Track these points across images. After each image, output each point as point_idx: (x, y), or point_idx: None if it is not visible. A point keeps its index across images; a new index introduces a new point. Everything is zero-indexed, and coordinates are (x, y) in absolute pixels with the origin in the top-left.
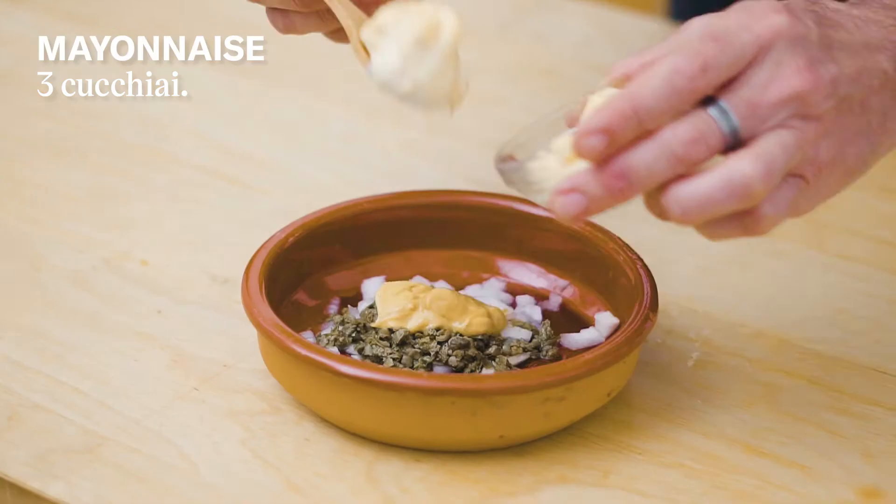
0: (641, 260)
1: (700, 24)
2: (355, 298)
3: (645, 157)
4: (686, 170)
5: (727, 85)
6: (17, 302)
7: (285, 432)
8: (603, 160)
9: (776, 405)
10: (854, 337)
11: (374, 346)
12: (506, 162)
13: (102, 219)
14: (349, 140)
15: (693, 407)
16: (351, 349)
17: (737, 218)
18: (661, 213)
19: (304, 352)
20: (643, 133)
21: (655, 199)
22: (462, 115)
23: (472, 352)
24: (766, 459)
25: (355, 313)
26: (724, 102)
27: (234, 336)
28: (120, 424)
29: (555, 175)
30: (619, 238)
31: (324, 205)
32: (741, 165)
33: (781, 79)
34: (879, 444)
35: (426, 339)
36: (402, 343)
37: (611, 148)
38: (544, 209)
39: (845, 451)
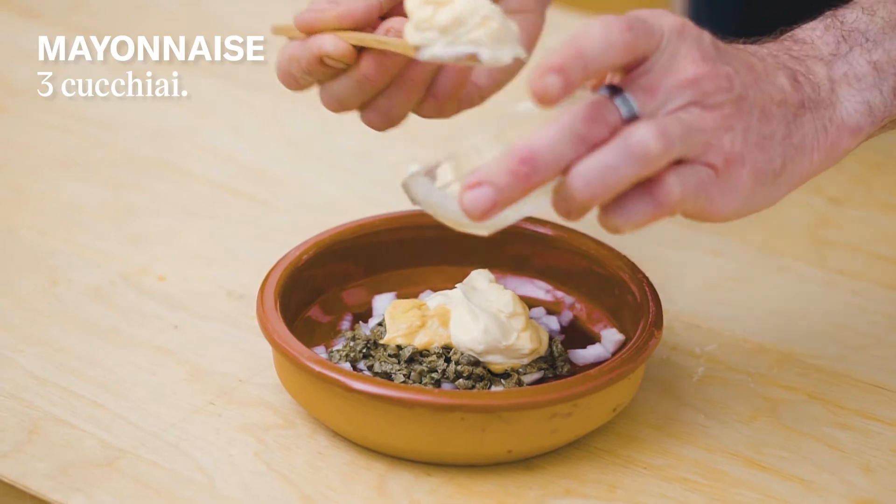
0: (647, 278)
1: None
2: (367, 314)
3: (548, 139)
4: (586, 151)
5: (627, 73)
6: (38, 316)
7: (299, 446)
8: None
9: (777, 420)
10: (854, 352)
11: (382, 362)
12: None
13: (118, 233)
14: (361, 156)
15: (696, 422)
16: (361, 365)
17: (645, 189)
18: (567, 203)
19: (317, 368)
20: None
21: (560, 190)
22: (470, 134)
23: (479, 370)
24: (767, 473)
25: (366, 329)
26: (625, 90)
27: (250, 351)
28: (138, 437)
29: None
30: (625, 256)
31: (336, 221)
32: (636, 130)
33: (679, 67)
34: (879, 459)
35: (433, 358)
36: (411, 360)
37: (566, 90)
38: (544, 227)
39: (845, 465)
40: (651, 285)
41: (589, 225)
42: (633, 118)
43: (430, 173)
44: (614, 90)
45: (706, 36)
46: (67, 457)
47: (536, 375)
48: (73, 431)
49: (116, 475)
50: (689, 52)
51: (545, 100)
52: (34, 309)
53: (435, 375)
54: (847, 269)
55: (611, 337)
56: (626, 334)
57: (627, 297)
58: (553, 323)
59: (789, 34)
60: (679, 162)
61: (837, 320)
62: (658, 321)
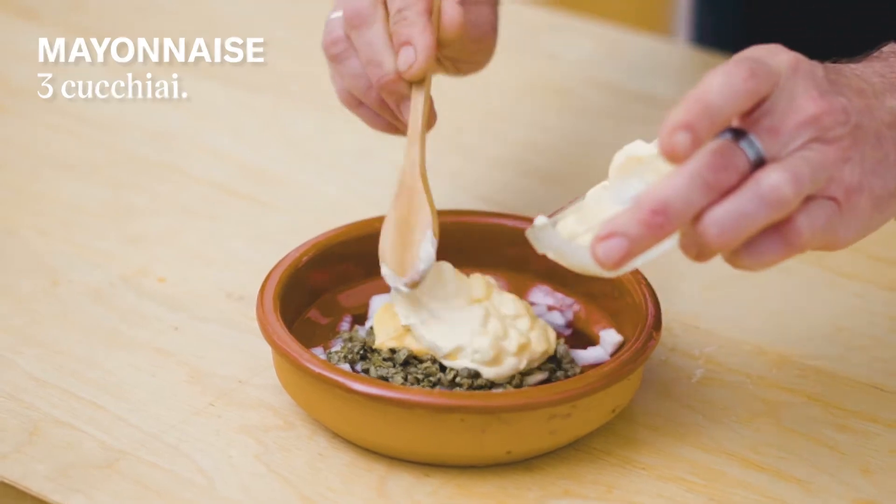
0: (646, 280)
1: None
2: (366, 316)
3: (679, 188)
4: (717, 198)
5: (747, 117)
6: (38, 318)
7: (298, 447)
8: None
9: (776, 421)
10: (854, 353)
11: (378, 367)
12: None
13: (118, 234)
14: (361, 157)
15: (695, 423)
16: (359, 367)
17: (776, 232)
18: (699, 248)
19: (316, 369)
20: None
21: (690, 234)
22: (472, 134)
23: (482, 381)
24: (766, 474)
25: (362, 331)
26: (749, 133)
27: (249, 352)
28: (138, 439)
29: (583, 231)
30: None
31: (337, 221)
32: (768, 174)
33: (798, 106)
34: (878, 461)
35: (428, 364)
36: (406, 363)
37: (695, 146)
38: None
39: (844, 466)
40: (650, 287)
41: None
42: (759, 160)
43: (554, 223)
44: (738, 133)
45: (818, 69)
46: (67, 458)
47: (541, 376)
48: (74, 433)
49: (116, 476)
50: (806, 90)
51: (675, 157)
52: (34, 310)
53: (432, 379)
54: (846, 270)
55: (609, 339)
56: (625, 335)
57: (626, 299)
58: (558, 318)
59: (892, 50)
60: (805, 199)
61: (837, 322)
62: (657, 323)
